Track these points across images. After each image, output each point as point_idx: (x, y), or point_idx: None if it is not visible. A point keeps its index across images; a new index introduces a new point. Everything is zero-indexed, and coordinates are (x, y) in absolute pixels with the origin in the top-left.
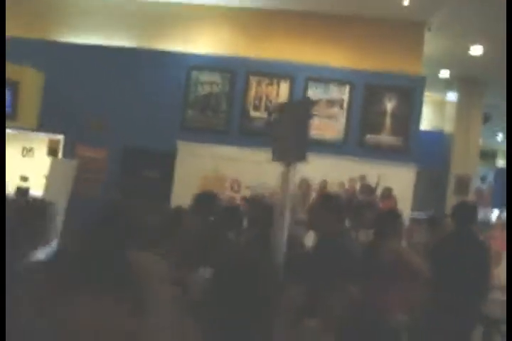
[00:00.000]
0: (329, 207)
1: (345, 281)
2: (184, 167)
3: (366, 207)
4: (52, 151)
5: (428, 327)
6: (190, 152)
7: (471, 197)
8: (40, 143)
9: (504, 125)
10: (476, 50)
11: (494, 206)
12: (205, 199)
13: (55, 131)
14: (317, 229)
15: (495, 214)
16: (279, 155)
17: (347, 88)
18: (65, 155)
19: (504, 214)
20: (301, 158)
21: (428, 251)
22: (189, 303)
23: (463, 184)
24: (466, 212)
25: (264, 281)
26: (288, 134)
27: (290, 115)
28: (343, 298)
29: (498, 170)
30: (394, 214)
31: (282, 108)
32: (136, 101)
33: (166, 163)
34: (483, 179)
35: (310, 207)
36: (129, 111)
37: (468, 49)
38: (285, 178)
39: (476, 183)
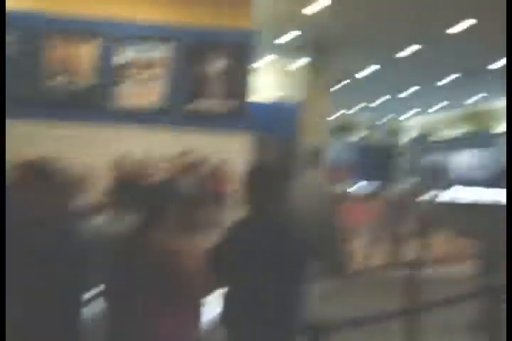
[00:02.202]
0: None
1: None
2: None
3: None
4: None
5: None
6: None
7: (324, 170)
8: None
9: (365, 95)
10: (317, 7)
11: (352, 180)
12: None
13: None
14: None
15: (352, 188)
16: None
17: (166, 46)
18: None
19: (363, 187)
20: None
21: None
22: None
23: (313, 156)
24: (264, 187)
25: None
26: None
27: None
28: None
29: (355, 144)
30: (162, 188)
31: None
32: None
33: None
34: (339, 152)
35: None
36: None
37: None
38: None
39: (329, 156)
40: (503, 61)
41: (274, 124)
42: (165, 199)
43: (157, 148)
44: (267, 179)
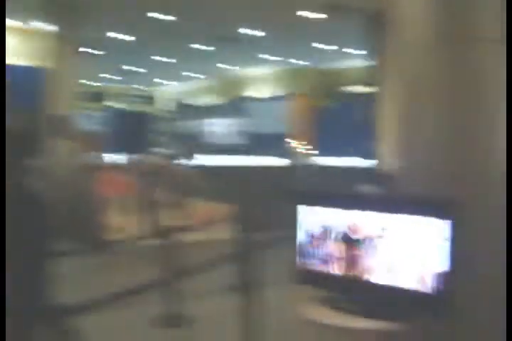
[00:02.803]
0: None
1: None
2: None
3: None
4: None
5: None
6: None
7: (74, 139)
8: None
9: (118, 62)
10: None
11: (105, 149)
12: None
13: None
14: None
15: (106, 157)
16: None
17: None
18: None
19: (116, 157)
20: None
21: None
22: None
23: (61, 125)
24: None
25: None
26: None
27: None
28: None
29: (108, 112)
30: None
31: None
32: None
33: None
34: (90, 121)
35: None
36: None
37: None
38: None
39: (80, 125)
40: (258, 31)
41: (17, 92)
42: None
43: None
44: (10, 151)
